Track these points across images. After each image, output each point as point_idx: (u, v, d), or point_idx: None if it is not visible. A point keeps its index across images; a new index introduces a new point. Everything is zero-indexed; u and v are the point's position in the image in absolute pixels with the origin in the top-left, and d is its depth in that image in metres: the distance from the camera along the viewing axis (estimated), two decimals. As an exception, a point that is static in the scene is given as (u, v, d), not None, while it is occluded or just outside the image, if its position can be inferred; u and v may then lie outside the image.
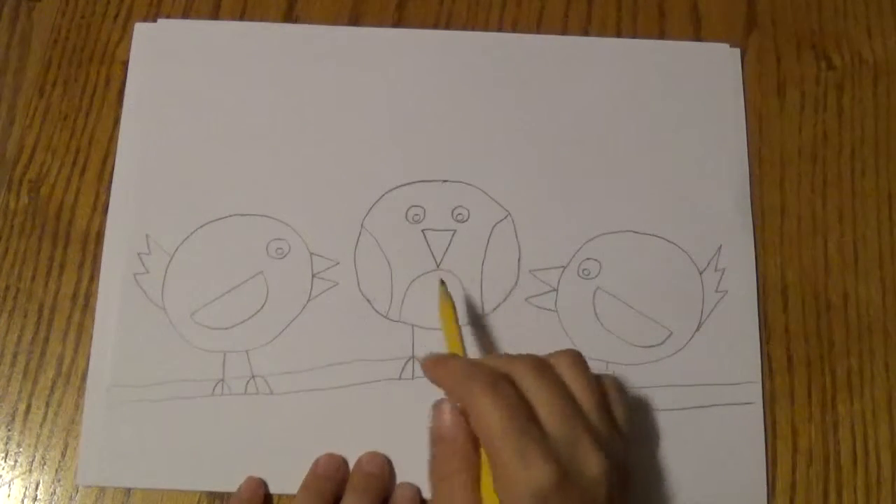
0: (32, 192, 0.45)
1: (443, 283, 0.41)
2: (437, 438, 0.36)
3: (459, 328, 0.38)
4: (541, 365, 0.35)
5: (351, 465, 0.40)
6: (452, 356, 0.36)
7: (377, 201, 0.44)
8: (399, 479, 0.40)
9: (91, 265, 0.43)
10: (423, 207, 0.44)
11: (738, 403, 0.42)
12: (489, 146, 0.45)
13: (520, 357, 0.35)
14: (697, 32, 0.48)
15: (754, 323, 0.43)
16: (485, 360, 0.36)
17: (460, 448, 0.34)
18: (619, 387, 0.37)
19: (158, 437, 0.40)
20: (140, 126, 0.45)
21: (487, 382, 0.33)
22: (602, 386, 0.36)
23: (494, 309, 0.43)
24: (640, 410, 0.41)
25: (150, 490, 0.40)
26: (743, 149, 0.46)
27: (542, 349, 0.42)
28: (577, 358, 0.36)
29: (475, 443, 0.34)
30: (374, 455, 0.40)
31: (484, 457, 0.34)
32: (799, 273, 0.44)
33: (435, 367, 0.36)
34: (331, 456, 0.40)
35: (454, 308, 0.39)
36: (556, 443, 0.32)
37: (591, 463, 0.32)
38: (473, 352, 0.42)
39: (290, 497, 0.40)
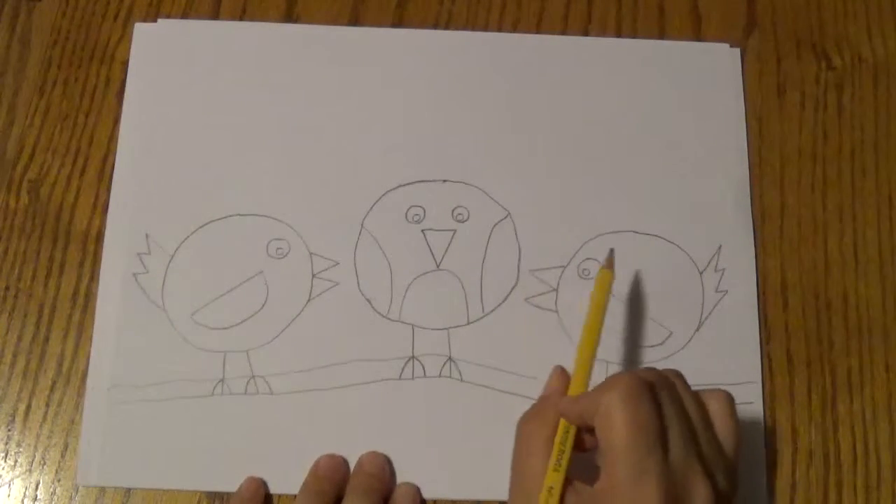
0: (32, 192, 0.45)
1: (611, 252, 0.40)
2: (545, 395, 0.38)
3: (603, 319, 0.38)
4: (676, 380, 0.34)
5: (351, 466, 0.40)
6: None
7: (377, 201, 0.44)
8: (399, 479, 0.40)
9: (91, 265, 0.43)
10: (423, 207, 0.44)
11: (738, 403, 0.41)
12: (489, 146, 0.45)
13: (657, 371, 0.35)
14: (697, 32, 0.48)
15: (754, 323, 0.43)
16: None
17: (552, 407, 0.35)
18: (730, 407, 0.35)
19: (158, 437, 0.40)
20: (140, 126, 0.45)
21: (626, 392, 0.32)
22: (711, 405, 0.35)
23: (494, 309, 0.43)
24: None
25: (150, 490, 0.40)
26: (743, 149, 0.46)
27: (542, 349, 0.42)
28: (682, 377, 0.35)
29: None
30: (375, 455, 0.40)
31: (551, 463, 0.33)
32: (799, 273, 0.44)
33: (574, 401, 0.34)
34: (331, 457, 0.40)
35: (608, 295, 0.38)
36: (672, 467, 0.31)
37: (700, 493, 0.31)
38: (475, 355, 0.42)
39: (290, 497, 0.40)
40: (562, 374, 0.38)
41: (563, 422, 0.34)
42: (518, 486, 0.34)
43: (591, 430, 0.33)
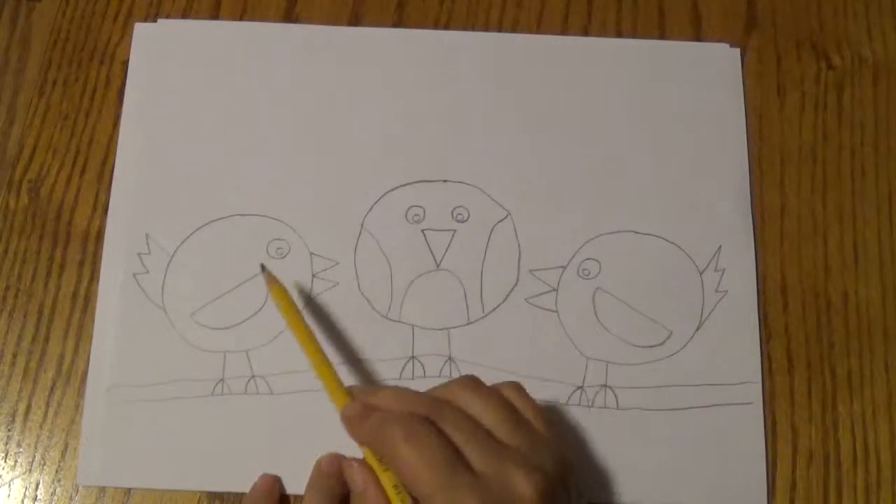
0: (32, 192, 0.45)
1: (263, 267, 0.41)
2: (354, 497, 0.35)
3: (299, 313, 0.38)
4: (450, 398, 0.34)
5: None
6: (370, 410, 0.35)
7: (377, 201, 0.44)
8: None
9: (91, 265, 0.43)
10: (423, 207, 0.44)
11: (738, 403, 0.42)
12: (489, 146, 0.45)
13: (425, 395, 0.35)
14: (697, 32, 0.48)
15: (754, 323, 0.43)
16: (397, 398, 0.35)
17: (375, 500, 0.34)
18: (520, 390, 0.36)
19: (158, 437, 0.40)
20: (140, 126, 0.45)
21: (404, 429, 0.32)
22: (505, 397, 0.35)
23: (494, 309, 0.43)
24: (639, 410, 0.41)
25: (150, 490, 0.40)
26: (743, 149, 0.46)
27: (542, 349, 0.42)
28: (470, 382, 0.35)
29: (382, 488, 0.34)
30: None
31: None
32: (799, 273, 0.44)
33: (353, 425, 0.35)
34: (332, 455, 0.40)
35: (286, 293, 0.39)
36: (484, 478, 0.32)
37: (521, 487, 0.31)
38: (475, 355, 0.42)
39: (292, 497, 0.40)
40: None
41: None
42: None
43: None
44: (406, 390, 0.36)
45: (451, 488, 0.31)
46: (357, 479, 0.34)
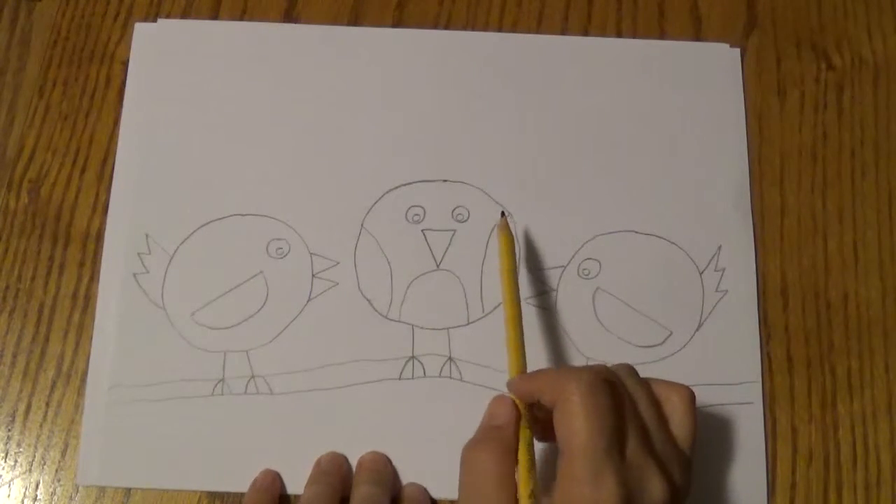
0: (32, 192, 0.45)
1: (503, 213, 0.41)
2: (486, 421, 0.35)
3: (515, 270, 0.38)
4: (628, 377, 0.34)
5: (353, 466, 0.40)
6: (546, 369, 0.35)
7: (377, 201, 0.44)
8: (399, 479, 0.40)
9: (91, 265, 0.43)
10: (423, 207, 0.44)
11: (738, 403, 0.42)
12: (489, 146, 0.45)
13: (611, 368, 0.35)
14: (697, 32, 0.48)
15: (754, 323, 0.43)
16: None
17: (506, 437, 0.34)
18: (690, 401, 0.35)
19: (158, 437, 0.40)
20: (140, 126, 0.45)
21: (588, 384, 0.31)
22: (672, 399, 0.35)
23: (494, 309, 0.43)
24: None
25: (150, 490, 0.40)
26: (743, 149, 0.46)
27: (541, 349, 0.42)
28: (633, 370, 0.35)
29: (513, 442, 0.34)
30: (376, 454, 0.40)
31: (524, 466, 0.33)
32: (799, 273, 0.44)
33: (526, 380, 0.35)
34: (333, 453, 0.40)
35: (513, 251, 0.39)
36: (629, 465, 0.31)
37: (656, 490, 0.31)
38: (475, 355, 0.42)
39: (292, 497, 0.40)
40: (504, 401, 0.36)
41: (523, 447, 0.34)
42: None
43: (540, 410, 0.34)
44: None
45: (602, 462, 0.30)
46: (501, 411, 0.34)
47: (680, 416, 0.35)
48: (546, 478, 0.33)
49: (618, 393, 0.33)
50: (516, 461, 0.33)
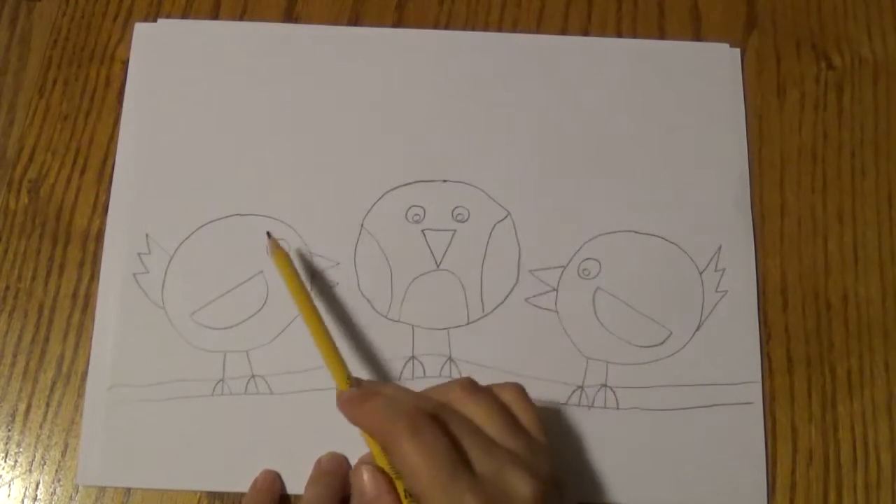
0: (32, 192, 0.45)
1: (269, 234, 0.41)
2: (358, 499, 0.35)
3: (302, 284, 0.38)
4: (450, 400, 0.35)
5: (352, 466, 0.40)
6: (373, 393, 0.35)
7: (377, 201, 0.44)
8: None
9: (91, 265, 0.43)
10: (423, 207, 0.44)
11: (738, 403, 0.42)
12: (489, 146, 0.45)
13: (425, 395, 0.35)
14: (697, 32, 0.48)
15: (754, 323, 0.43)
16: (399, 394, 0.35)
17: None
18: (521, 394, 0.36)
19: (158, 437, 0.40)
20: (140, 126, 0.45)
21: (410, 425, 0.32)
22: (504, 400, 0.35)
23: (494, 309, 0.43)
24: (639, 410, 0.41)
25: (150, 490, 0.40)
26: (743, 149, 0.46)
27: (541, 349, 0.42)
28: (469, 384, 0.35)
29: (397, 496, 0.33)
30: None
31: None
32: (799, 273, 0.44)
33: (353, 406, 0.35)
34: (333, 453, 0.40)
35: (289, 261, 0.39)
36: (484, 480, 0.32)
37: (520, 490, 0.32)
38: (475, 355, 0.42)
39: (292, 497, 0.40)
40: (359, 468, 0.35)
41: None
42: None
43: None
44: (407, 389, 0.36)
45: (453, 489, 0.31)
46: (369, 487, 0.34)
47: (520, 410, 0.35)
48: None
49: (442, 421, 0.33)
50: None
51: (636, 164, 0.45)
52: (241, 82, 0.46)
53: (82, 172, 0.45)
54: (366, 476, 0.34)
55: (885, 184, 0.46)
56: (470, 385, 0.35)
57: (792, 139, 0.46)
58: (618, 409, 0.41)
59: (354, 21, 0.48)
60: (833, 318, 0.43)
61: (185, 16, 0.48)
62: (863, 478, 0.41)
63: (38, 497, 0.40)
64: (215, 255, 0.43)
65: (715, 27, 0.48)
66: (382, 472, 0.34)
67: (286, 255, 0.40)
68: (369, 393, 0.35)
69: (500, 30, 0.48)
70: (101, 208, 0.44)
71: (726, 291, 0.43)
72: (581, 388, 0.42)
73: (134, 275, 0.43)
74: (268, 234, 0.42)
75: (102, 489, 0.40)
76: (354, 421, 0.35)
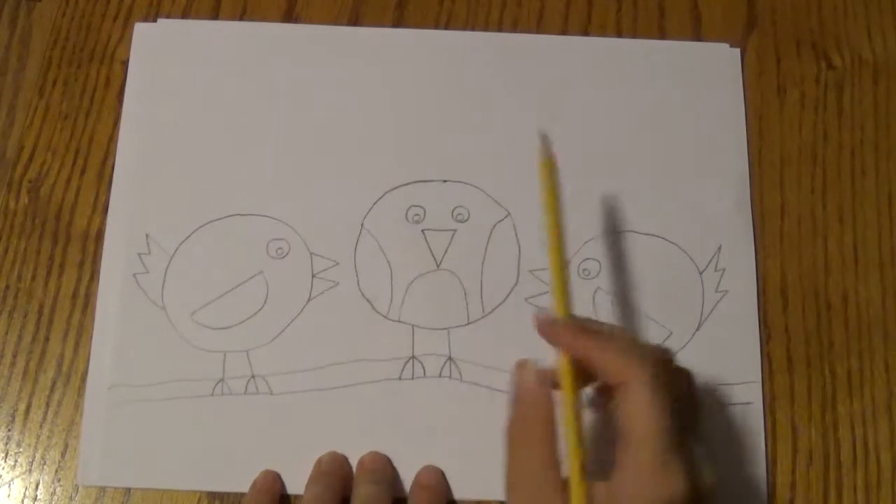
0: (32, 192, 0.45)
1: (544, 138, 0.37)
2: (519, 399, 0.33)
3: (558, 198, 0.36)
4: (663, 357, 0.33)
5: (353, 466, 0.40)
6: (602, 325, 0.33)
7: (377, 201, 0.44)
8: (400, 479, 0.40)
9: (91, 265, 0.43)
10: (423, 207, 0.44)
11: (738, 403, 0.42)
12: (489, 146, 0.45)
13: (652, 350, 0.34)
14: (697, 32, 0.48)
15: (754, 323, 0.43)
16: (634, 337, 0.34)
17: (542, 415, 0.32)
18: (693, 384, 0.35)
19: (158, 437, 0.40)
20: (140, 126, 0.45)
21: (653, 371, 0.30)
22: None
23: (494, 309, 0.43)
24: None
25: (150, 490, 0.40)
26: (743, 149, 0.46)
27: (542, 349, 0.42)
28: (671, 356, 0.34)
29: (553, 413, 0.32)
30: (376, 454, 0.40)
31: (573, 442, 0.31)
32: (799, 273, 0.44)
33: (578, 334, 0.32)
34: (333, 453, 0.40)
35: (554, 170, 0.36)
36: (688, 455, 0.30)
37: (707, 475, 0.31)
38: (475, 355, 0.42)
39: (292, 497, 0.40)
40: (530, 368, 0.34)
41: (570, 416, 0.32)
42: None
43: (583, 371, 0.32)
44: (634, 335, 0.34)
45: (669, 453, 0.29)
46: (533, 389, 0.32)
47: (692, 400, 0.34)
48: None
49: (679, 380, 0.32)
50: (554, 434, 0.32)
51: (636, 164, 0.45)
52: (242, 82, 0.46)
53: (82, 172, 0.45)
54: (533, 378, 0.33)
55: (885, 184, 0.46)
56: (672, 355, 0.34)
57: (792, 139, 0.46)
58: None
59: (354, 21, 0.48)
60: (833, 318, 0.43)
61: (185, 16, 0.48)
62: (863, 478, 0.41)
63: (38, 497, 0.40)
64: (215, 255, 0.43)
65: (715, 27, 0.48)
66: (548, 385, 0.33)
67: (554, 164, 0.37)
68: (596, 324, 0.34)
69: (500, 30, 0.48)
70: (101, 208, 0.44)
71: (726, 291, 0.43)
72: (581, 388, 0.42)
73: (134, 275, 0.43)
74: (542, 136, 0.38)
75: (102, 489, 0.40)
76: (577, 351, 0.32)
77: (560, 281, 0.34)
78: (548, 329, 0.34)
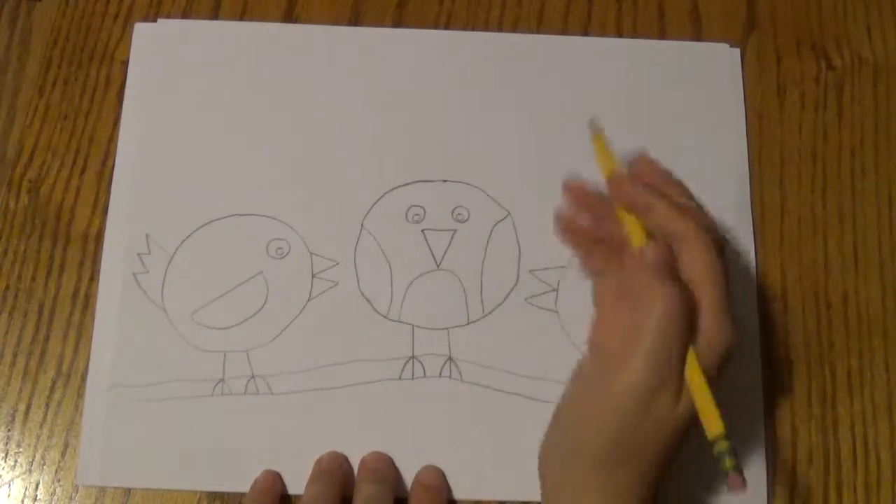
0: (32, 192, 0.45)
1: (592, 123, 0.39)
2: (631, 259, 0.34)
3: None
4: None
5: (353, 466, 0.40)
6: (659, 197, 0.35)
7: (377, 201, 0.44)
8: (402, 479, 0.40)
9: (91, 265, 0.43)
10: (423, 207, 0.44)
11: (739, 403, 0.42)
12: (489, 146, 0.45)
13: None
14: (697, 32, 0.48)
15: (754, 323, 0.43)
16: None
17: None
18: None
19: (158, 437, 0.40)
20: (140, 126, 0.45)
21: (703, 227, 0.33)
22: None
23: (494, 309, 0.43)
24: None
25: (150, 490, 0.40)
26: (743, 149, 0.46)
27: (542, 349, 0.42)
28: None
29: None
30: (379, 454, 0.40)
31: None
32: (799, 273, 0.44)
33: (634, 188, 0.35)
34: (333, 453, 0.40)
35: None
36: None
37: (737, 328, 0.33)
38: (475, 355, 0.42)
39: (292, 497, 0.40)
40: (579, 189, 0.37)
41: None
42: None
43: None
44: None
45: (728, 299, 0.32)
46: (658, 250, 0.33)
47: None
48: None
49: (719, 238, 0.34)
50: None
51: (636, 164, 0.45)
52: (241, 82, 0.46)
53: (82, 172, 0.45)
54: (654, 243, 0.34)
55: (885, 184, 0.46)
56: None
57: (792, 139, 0.46)
58: (618, 409, 0.41)
59: (354, 21, 0.48)
60: (833, 318, 0.43)
61: (185, 16, 0.48)
62: (863, 478, 0.41)
63: (38, 497, 0.40)
64: (215, 255, 0.43)
65: (715, 27, 0.48)
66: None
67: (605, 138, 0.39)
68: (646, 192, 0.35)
69: (500, 30, 0.48)
70: (101, 208, 0.44)
71: (726, 291, 0.43)
72: (581, 388, 0.41)
73: (134, 275, 0.43)
74: (592, 122, 0.39)
75: (102, 489, 0.40)
76: (636, 200, 0.35)
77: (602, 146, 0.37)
78: (618, 187, 0.36)
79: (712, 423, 0.32)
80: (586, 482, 0.33)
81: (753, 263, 0.44)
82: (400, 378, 0.42)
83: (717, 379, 0.33)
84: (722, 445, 0.32)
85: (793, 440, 0.41)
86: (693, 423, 0.33)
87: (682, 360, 0.32)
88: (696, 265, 0.33)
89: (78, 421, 0.41)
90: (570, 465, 0.33)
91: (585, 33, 0.48)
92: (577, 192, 0.37)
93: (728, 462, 0.32)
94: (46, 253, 0.44)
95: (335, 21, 0.48)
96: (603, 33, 0.48)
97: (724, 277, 0.33)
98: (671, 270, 0.33)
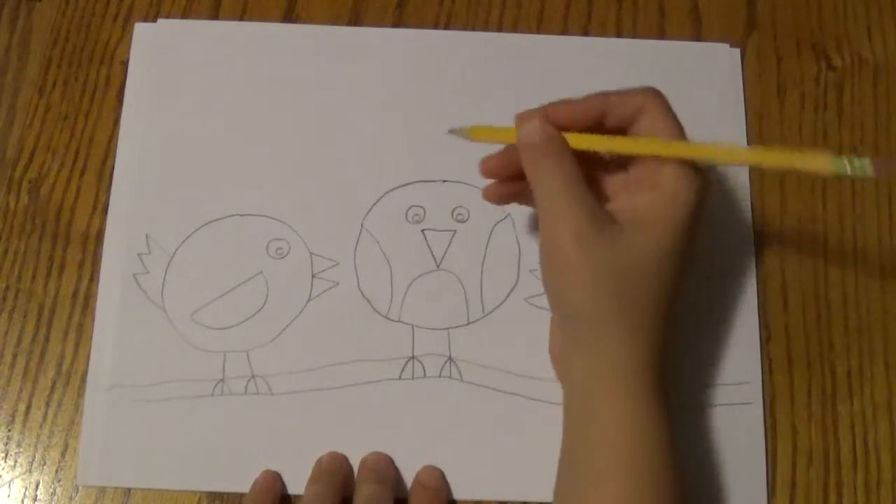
0: (32, 192, 0.45)
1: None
2: (525, 146, 0.37)
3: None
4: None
5: (353, 466, 0.40)
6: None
7: (377, 201, 0.44)
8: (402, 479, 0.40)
9: (91, 265, 0.43)
10: (423, 207, 0.44)
11: (738, 403, 0.42)
12: (489, 146, 0.45)
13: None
14: (697, 32, 0.48)
15: (754, 323, 0.43)
16: None
17: (556, 147, 0.36)
18: None
19: (158, 437, 0.40)
20: (140, 126, 0.45)
21: (658, 91, 0.36)
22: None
23: (494, 309, 0.43)
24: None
25: (150, 490, 0.40)
26: (743, 149, 0.46)
27: (542, 349, 0.42)
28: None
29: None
30: (379, 454, 0.40)
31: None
32: (799, 273, 0.44)
33: (586, 100, 0.37)
34: (334, 453, 0.40)
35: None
36: None
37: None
38: (475, 355, 0.42)
39: (292, 497, 0.40)
40: (532, 117, 0.38)
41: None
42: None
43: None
44: None
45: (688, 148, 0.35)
46: (534, 125, 0.37)
47: None
48: None
49: None
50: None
51: (636, 164, 0.45)
52: (241, 82, 0.46)
53: (82, 172, 0.45)
54: (536, 121, 0.37)
55: (885, 184, 0.46)
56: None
57: (792, 139, 0.46)
58: (618, 409, 0.41)
59: (354, 21, 0.48)
60: (833, 318, 0.43)
61: (185, 16, 0.48)
62: (863, 478, 0.41)
63: (38, 497, 0.40)
64: (215, 255, 0.43)
65: (715, 27, 0.48)
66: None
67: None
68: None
69: (500, 30, 0.48)
70: (101, 208, 0.44)
71: (726, 291, 0.43)
72: (581, 388, 0.41)
73: (134, 275, 0.43)
74: (453, 131, 0.40)
75: (102, 489, 0.40)
76: (590, 108, 0.36)
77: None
78: (559, 109, 0.37)
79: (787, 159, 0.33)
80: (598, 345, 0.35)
81: (753, 263, 0.44)
82: (400, 378, 0.42)
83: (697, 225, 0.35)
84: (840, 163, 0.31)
85: (793, 440, 0.41)
86: (664, 254, 0.35)
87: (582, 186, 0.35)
88: (656, 127, 0.35)
89: (78, 421, 0.41)
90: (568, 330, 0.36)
91: (585, 33, 0.48)
92: (492, 164, 0.39)
93: (856, 162, 0.31)
94: (46, 253, 0.44)
95: (335, 21, 0.48)
96: (603, 33, 0.48)
97: (681, 132, 0.35)
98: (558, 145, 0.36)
